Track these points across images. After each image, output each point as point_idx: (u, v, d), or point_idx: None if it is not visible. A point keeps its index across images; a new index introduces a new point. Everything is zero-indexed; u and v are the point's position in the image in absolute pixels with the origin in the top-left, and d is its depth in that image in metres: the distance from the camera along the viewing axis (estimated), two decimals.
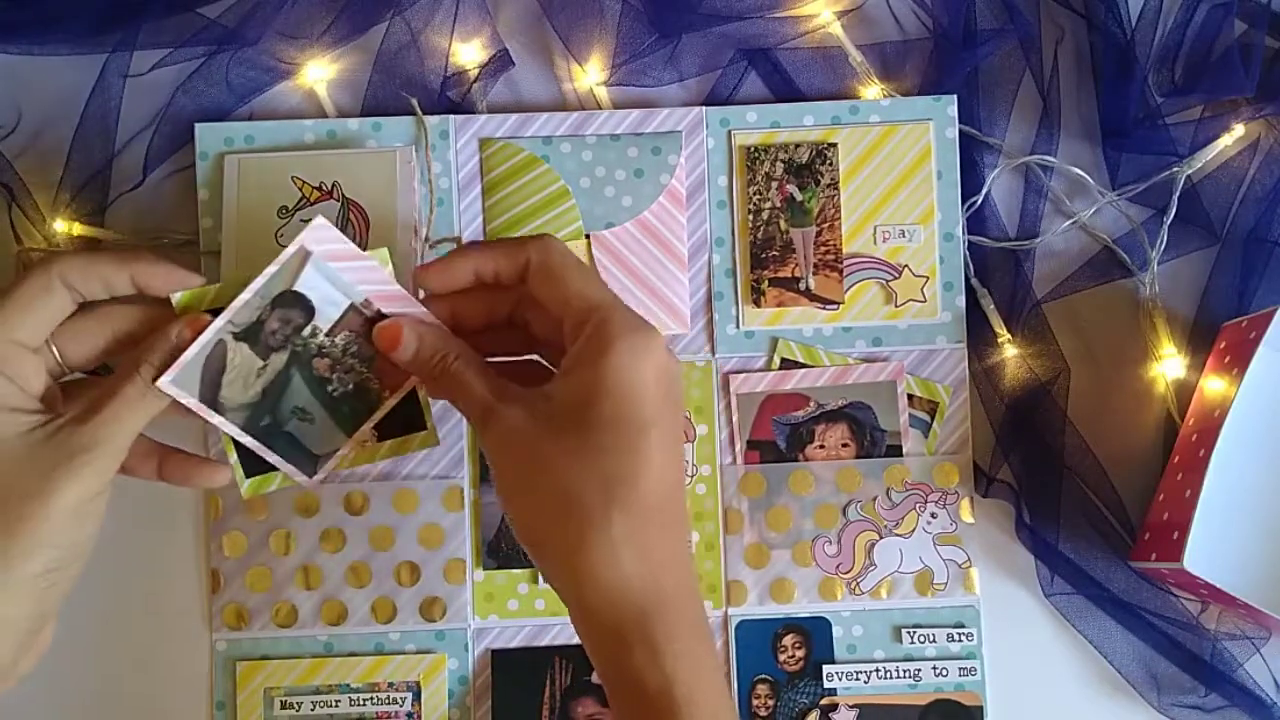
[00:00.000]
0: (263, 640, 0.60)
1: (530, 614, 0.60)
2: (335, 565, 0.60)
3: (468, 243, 0.48)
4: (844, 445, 0.61)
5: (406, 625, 0.60)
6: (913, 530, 0.60)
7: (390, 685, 0.59)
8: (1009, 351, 0.61)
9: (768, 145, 0.61)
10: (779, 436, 0.61)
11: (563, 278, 0.46)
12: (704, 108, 0.62)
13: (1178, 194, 0.61)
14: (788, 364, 0.61)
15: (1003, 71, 0.63)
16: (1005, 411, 0.61)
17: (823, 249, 0.61)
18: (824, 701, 0.59)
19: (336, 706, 0.59)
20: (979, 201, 0.61)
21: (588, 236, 0.61)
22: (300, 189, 0.59)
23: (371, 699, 0.59)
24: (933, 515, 0.60)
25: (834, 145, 0.61)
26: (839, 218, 0.61)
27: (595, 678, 0.59)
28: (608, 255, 0.61)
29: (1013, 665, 0.60)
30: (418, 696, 0.59)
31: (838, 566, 0.60)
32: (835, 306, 0.61)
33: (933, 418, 0.60)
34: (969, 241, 0.62)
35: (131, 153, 0.61)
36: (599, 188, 0.61)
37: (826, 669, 0.59)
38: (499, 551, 0.60)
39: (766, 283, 0.61)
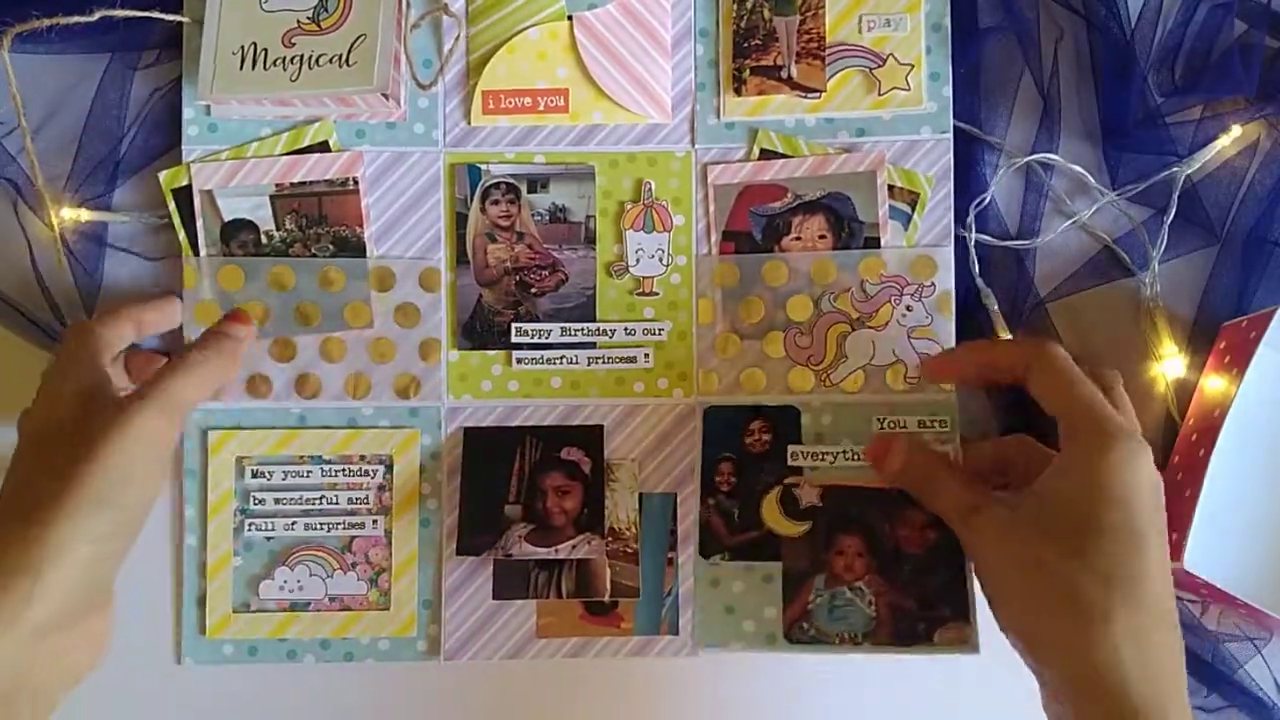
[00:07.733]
0: (235, 410, 0.60)
1: (503, 395, 0.60)
2: (310, 340, 0.60)
3: (971, 343, 0.56)
4: (821, 237, 0.60)
5: (381, 401, 0.60)
6: (887, 323, 0.60)
7: (362, 458, 0.60)
8: None
9: None
10: (755, 227, 0.61)
11: (1062, 382, 0.50)
12: None
13: (1178, 194, 0.61)
14: (767, 154, 0.60)
15: (1003, 71, 0.62)
16: (1011, 411, 0.60)
17: (806, 37, 0.60)
18: (788, 480, 0.59)
19: (307, 477, 0.60)
20: (986, 200, 0.61)
21: (570, 17, 0.60)
22: None
23: (344, 470, 0.60)
24: (908, 308, 0.60)
25: None
26: (823, 6, 0.60)
27: (565, 454, 0.60)
28: (590, 38, 0.60)
29: (1014, 664, 0.60)
30: (389, 469, 0.60)
31: (809, 358, 0.60)
32: (817, 95, 0.60)
33: (913, 209, 0.60)
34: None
35: (136, 144, 0.61)
36: None
37: (792, 449, 0.59)
38: (474, 333, 0.60)
39: (748, 71, 0.60)
